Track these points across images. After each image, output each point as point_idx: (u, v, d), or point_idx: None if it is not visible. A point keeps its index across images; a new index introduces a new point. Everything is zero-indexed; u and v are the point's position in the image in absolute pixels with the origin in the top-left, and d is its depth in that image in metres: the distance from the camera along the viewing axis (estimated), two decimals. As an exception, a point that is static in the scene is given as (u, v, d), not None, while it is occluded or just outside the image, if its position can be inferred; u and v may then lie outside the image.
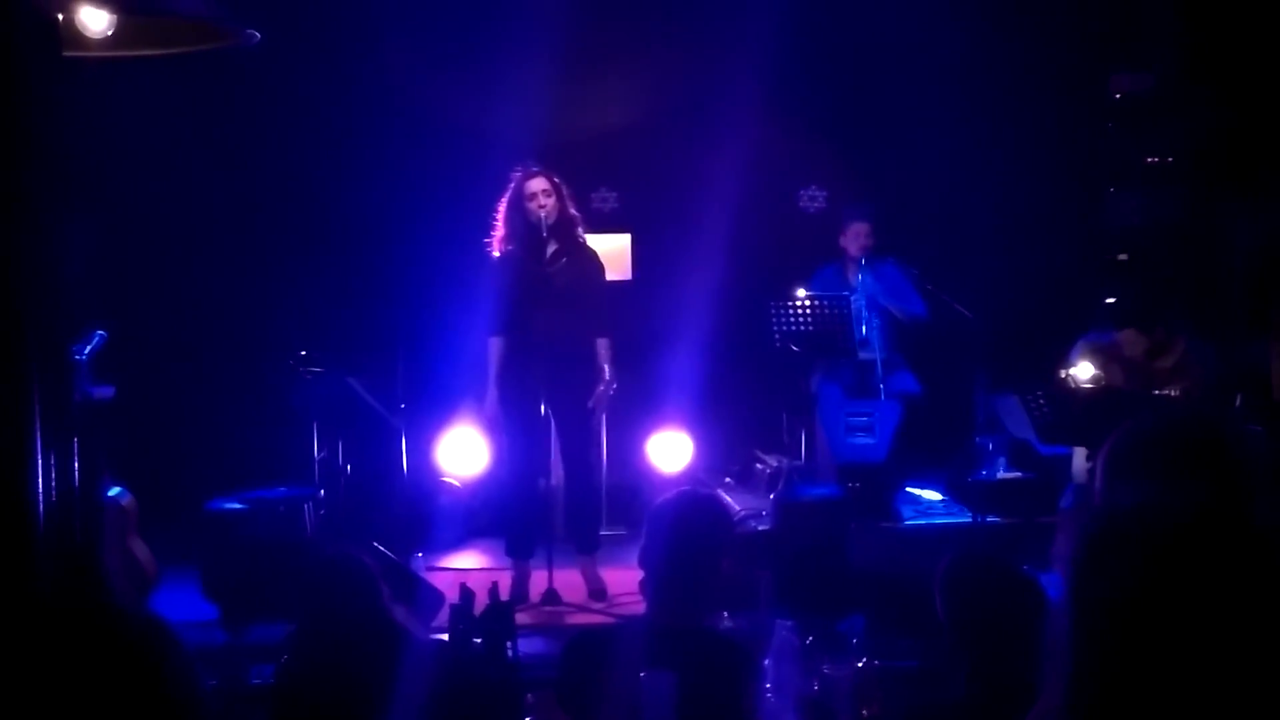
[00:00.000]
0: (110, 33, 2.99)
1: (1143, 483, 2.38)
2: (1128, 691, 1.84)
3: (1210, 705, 1.82)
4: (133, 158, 7.92)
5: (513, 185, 6.79)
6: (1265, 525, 2.33)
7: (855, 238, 8.11)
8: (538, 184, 6.72)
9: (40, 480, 2.19)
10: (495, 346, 6.83)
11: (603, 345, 6.84)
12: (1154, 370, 6.77)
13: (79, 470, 2.31)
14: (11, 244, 2.28)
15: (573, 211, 6.83)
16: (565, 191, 6.79)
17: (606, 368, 6.82)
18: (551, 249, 6.77)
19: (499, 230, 6.85)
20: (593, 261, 6.95)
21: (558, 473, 7.47)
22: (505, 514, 7.18)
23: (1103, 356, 6.83)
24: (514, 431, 6.89)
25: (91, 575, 2.34)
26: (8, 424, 2.20)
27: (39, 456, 2.18)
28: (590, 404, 6.83)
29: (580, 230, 6.89)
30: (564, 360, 6.70)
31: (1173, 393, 6.61)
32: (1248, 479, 2.43)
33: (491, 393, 6.84)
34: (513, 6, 8.47)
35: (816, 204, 9.36)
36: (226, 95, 8.31)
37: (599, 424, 7.57)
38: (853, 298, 7.93)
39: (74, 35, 2.89)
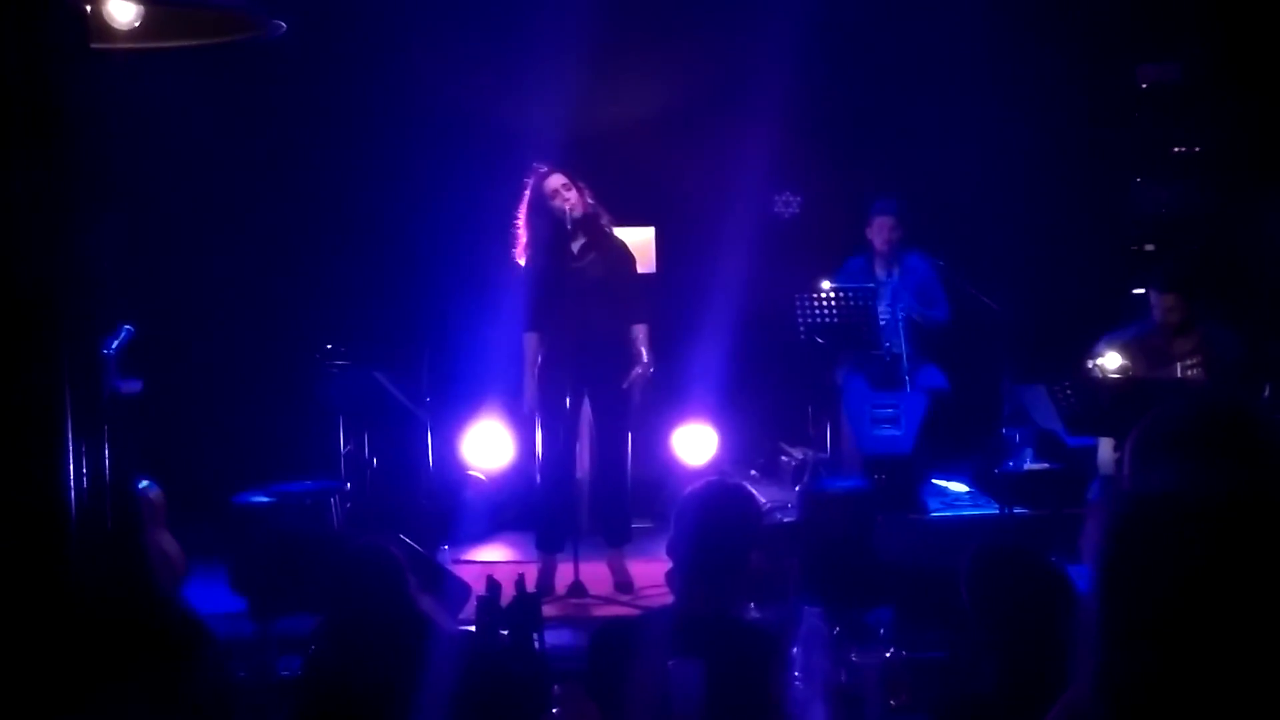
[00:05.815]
0: (138, 24, 3.01)
1: (1172, 468, 2.37)
2: (1159, 681, 1.83)
3: (1244, 695, 1.80)
4: (161, 152, 7.94)
5: (530, 187, 6.78)
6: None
7: (880, 231, 8.12)
8: (557, 180, 6.72)
9: (71, 471, 2.20)
10: (530, 342, 6.83)
11: (640, 330, 6.81)
12: (1173, 351, 6.77)
13: (111, 462, 2.32)
14: (43, 238, 2.29)
15: (591, 202, 6.81)
16: (582, 184, 6.79)
17: (644, 350, 6.78)
18: (580, 243, 6.76)
19: (522, 236, 6.83)
20: (623, 252, 6.93)
21: (582, 466, 7.47)
22: (539, 508, 7.18)
23: (1126, 349, 6.81)
24: (548, 426, 6.89)
25: (129, 567, 2.35)
26: (39, 416, 2.21)
27: (70, 448, 2.19)
28: (625, 385, 6.81)
29: (606, 221, 6.87)
30: (601, 352, 6.69)
31: (1191, 371, 6.61)
32: (1277, 463, 2.41)
33: (531, 387, 6.84)
34: (533, 9, 8.49)
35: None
36: (254, 89, 8.34)
37: (634, 413, 7.56)
38: (879, 292, 7.92)
39: (102, 27, 2.90)
